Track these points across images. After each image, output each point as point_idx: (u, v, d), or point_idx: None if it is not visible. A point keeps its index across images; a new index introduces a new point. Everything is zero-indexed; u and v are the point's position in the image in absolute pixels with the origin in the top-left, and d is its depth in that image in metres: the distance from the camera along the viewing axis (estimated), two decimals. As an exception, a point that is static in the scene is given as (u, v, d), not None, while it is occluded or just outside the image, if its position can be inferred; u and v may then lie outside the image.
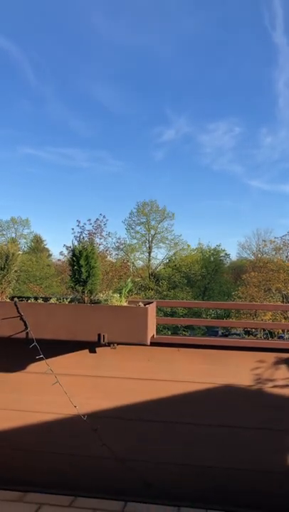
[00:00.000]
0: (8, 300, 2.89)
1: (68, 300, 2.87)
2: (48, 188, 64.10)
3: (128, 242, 44.59)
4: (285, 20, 50.34)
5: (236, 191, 61.91)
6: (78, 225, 23.64)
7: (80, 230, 23.25)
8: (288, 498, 2.97)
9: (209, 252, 45.67)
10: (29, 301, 2.94)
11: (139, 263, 47.60)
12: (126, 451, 3.07)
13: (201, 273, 43.78)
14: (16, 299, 2.82)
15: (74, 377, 3.04)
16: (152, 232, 47.74)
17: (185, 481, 3.07)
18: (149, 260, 48.14)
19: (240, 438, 2.97)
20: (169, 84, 56.26)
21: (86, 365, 3.08)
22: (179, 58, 54.13)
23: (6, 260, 2.88)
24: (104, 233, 25.31)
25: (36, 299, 3.02)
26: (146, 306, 2.69)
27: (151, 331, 2.79)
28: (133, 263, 43.90)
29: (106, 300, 2.79)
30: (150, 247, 47.98)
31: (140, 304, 2.85)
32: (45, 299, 3.03)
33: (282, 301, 26.34)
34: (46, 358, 2.72)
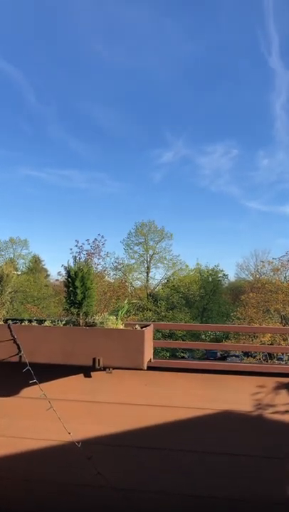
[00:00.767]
0: (2, 322, 2.83)
1: (63, 323, 2.81)
2: (47, 209, 64.40)
3: (126, 262, 44.62)
4: (281, 45, 51.51)
5: (234, 212, 62.27)
6: (77, 245, 23.72)
7: (78, 250, 23.31)
8: None
9: (207, 272, 45.61)
10: (23, 323, 2.88)
11: (138, 283, 47.51)
12: (122, 480, 2.96)
13: (199, 293, 43.65)
14: (9, 322, 2.76)
15: (68, 403, 2.95)
16: (150, 252, 47.79)
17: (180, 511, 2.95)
18: (148, 280, 48.07)
19: (240, 466, 2.87)
20: (168, 107, 57.16)
21: (81, 390, 3.00)
22: (178, 82, 55.23)
23: (0, 281, 2.83)
24: (102, 253, 25.30)
25: (30, 321, 2.95)
26: (143, 329, 2.63)
27: (148, 355, 2.72)
28: (131, 283, 43.75)
29: (102, 323, 2.73)
30: (148, 267, 47.94)
31: (137, 326, 2.80)
32: (40, 322, 2.96)
33: (281, 322, 26.20)
34: (40, 383, 2.64)
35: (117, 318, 2.76)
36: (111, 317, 2.75)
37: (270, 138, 58.29)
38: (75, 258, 2.91)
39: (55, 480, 3.04)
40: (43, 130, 59.71)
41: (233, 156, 58.76)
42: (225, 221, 61.48)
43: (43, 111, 57.29)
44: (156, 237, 47.76)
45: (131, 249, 47.75)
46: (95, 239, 24.63)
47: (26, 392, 2.95)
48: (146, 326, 2.83)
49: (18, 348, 2.57)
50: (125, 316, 2.85)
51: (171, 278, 46.89)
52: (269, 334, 22.37)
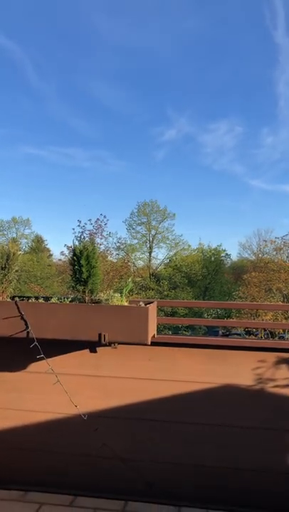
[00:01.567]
0: (9, 300, 2.90)
1: (69, 300, 2.87)
2: (49, 188, 64.08)
3: (129, 242, 44.63)
4: (287, 20, 50.21)
5: (237, 191, 61.85)
6: (79, 225, 23.67)
7: (80, 230, 23.29)
8: None
9: (210, 252, 45.58)
10: (30, 300, 2.94)
11: (140, 263, 47.59)
12: (126, 450, 3.07)
13: (201, 273, 43.74)
14: (16, 299, 2.82)
15: (75, 377, 3.04)
16: (153, 232, 47.73)
17: (185, 481, 3.07)
18: (150, 260, 48.13)
19: (240, 438, 2.97)
20: (170, 83, 56.20)
21: (87, 365, 3.08)
22: (180, 58, 54.11)
23: (7, 260, 2.88)
24: (104, 233, 25.29)
25: (37, 298, 3.02)
26: (147, 305, 2.69)
27: (152, 331, 2.79)
28: (134, 263, 43.85)
29: (107, 300, 2.79)
30: (151, 247, 47.96)
31: (141, 303, 2.85)
32: (46, 299, 3.03)
33: (283, 301, 26.29)
34: (47, 358, 2.72)
35: (121, 296, 2.82)
36: (116, 294, 2.81)
37: (274, 115, 57.42)
38: (78, 238, 2.96)
39: (62, 451, 3.15)
40: (44, 108, 58.86)
41: (237, 134, 58.02)
42: (228, 200, 61.20)
43: (44, 88, 56.43)
44: (159, 217, 47.65)
45: (133, 229, 47.72)
46: (98, 219, 24.61)
47: (34, 367, 3.04)
48: (150, 303, 2.89)
49: (26, 324, 2.64)
50: (128, 294, 2.91)
51: (174, 258, 46.92)
52: (271, 313, 22.51)
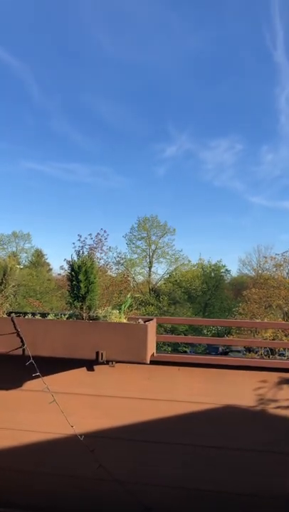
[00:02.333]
0: (5, 316, 2.84)
1: (66, 316, 2.82)
2: (49, 203, 64.38)
3: (129, 256, 44.63)
4: (286, 39, 51.13)
5: (237, 207, 62.13)
6: (79, 240, 23.72)
7: (80, 245, 23.31)
8: None
9: (210, 267, 45.56)
10: (27, 316, 2.88)
11: (140, 278, 47.52)
12: (124, 473, 2.98)
13: (201, 289, 43.63)
14: (13, 315, 2.77)
15: (71, 396, 2.97)
16: (153, 247, 47.75)
17: (186, 505, 2.96)
18: (150, 275, 48.07)
19: (241, 461, 2.88)
20: (172, 101, 56.92)
21: (84, 384, 3.01)
22: (181, 75, 54.91)
23: (4, 275, 2.84)
24: (105, 248, 25.29)
25: (34, 314, 2.96)
26: (146, 323, 2.63)
27: (151, 349, 2.73)
28: (133, 278, 43.76)
29: (105, 316, 2.73)
30: (151, 262, 47.93)
31: (140, 320, 2.80)
32: (43, 315, 2.97)
33: (283, 318, 26.19)
34: (43, 376, 2.65)
35: (120, 312, 2.76)
36: (114, 311, 2.76)
37: (275, 132, 57.98)
38: (78, 252, 2.92)
39: (57, 473, 3.06)
40: (46, 123, 59.57)
41: (237, 151, 58.51)
42: (228, 216, 61.43)
43: (46, 104, 57.17)
44: (159, 232, 47.73)
45: (133, 243, 47.76)
46: (98, 233, 24.64)
47: (29, 385, 2.96)
48: (149, 320, 2.83)
49: (22, 341, 2.58)
50: (128, 310, 2.85)
51: (174, 273, 46.87)
52: (271, 330, 22.37)
